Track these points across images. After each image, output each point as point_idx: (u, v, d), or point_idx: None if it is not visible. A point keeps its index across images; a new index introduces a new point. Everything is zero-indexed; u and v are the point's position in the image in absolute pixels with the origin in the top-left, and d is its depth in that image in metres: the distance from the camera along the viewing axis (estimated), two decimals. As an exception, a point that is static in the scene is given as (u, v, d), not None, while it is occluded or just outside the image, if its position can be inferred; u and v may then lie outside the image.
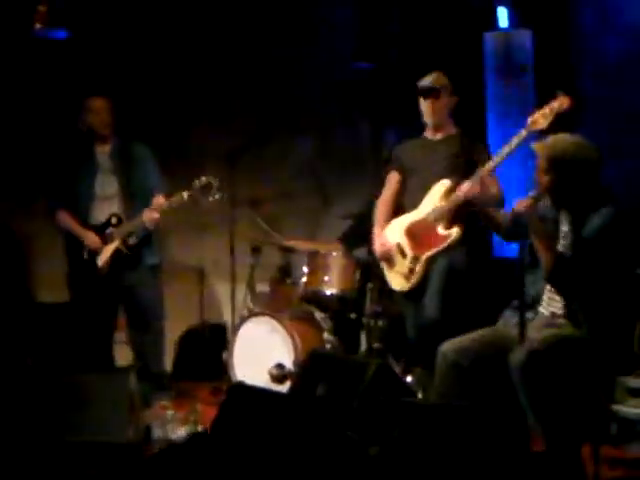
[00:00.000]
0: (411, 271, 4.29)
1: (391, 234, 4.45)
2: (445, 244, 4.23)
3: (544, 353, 3.22)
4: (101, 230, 4.67)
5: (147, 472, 3.38)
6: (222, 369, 5.12)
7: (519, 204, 3.42)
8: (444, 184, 4.27)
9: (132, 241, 4.65)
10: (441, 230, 4.25)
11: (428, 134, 4.53)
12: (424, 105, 4.43)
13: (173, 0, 5.72)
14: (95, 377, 3.95)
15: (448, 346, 3.48)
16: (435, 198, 4.29)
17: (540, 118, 3.85)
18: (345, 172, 5.87)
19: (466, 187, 4.10)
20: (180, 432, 3.95)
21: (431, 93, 4.37)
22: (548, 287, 3.47)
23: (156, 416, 4.05)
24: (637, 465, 3.70)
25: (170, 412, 4.06)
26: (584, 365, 3.30)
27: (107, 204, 4.69)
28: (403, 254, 4.35)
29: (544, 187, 3.42)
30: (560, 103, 3.85)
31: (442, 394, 3.48)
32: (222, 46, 5.78)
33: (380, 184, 4.68)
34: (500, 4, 5.55)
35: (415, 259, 4.29)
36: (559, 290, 3.39)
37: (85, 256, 4.65)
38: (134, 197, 4.69)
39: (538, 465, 3.07)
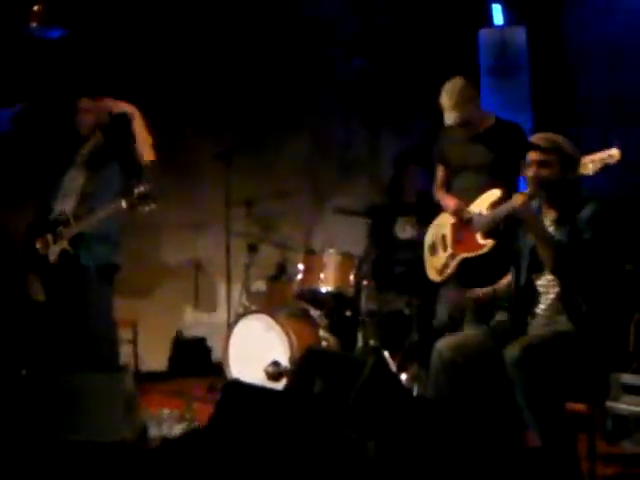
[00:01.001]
0: (445, 266, 4.35)
1: (441, 223, 4.47)
2: (479, 252, 4.23)
3: (539, 348, 3.22)
4: (52, 227, 4.58)
5: (144, 470, 3.38)
6: (218, 367, 5.12)
7: (514, 201, 3.43)
8: (494, 194, 4.24)
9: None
10: (479, 238, 4.27)
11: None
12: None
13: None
14: (91, 376, 3.94)
15: (443, 343, 3.48)
16: (483, 205, 4.27)
17: (589, 163, 3.63)
18: (341, 170, 5.87)
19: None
20: (176, 430, 3.95)
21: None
22: (542, 287, 3.47)
23: (152, 414, 4.05)
24: (632, 462, 3.71)
25: (166, 410, 4.06)
26: (579, 361, 3.31)
27: (66, 199, 4.61)
28: (444, 246, 4.40)
29: (541, 181, 3.41)
30: (611, 155, 3.64)
31: (437, 391, 3.48)
32: (217, 45, 5.79)
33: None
34: (495, 1, 5.57)
35: (452, 256, 4.34)
36: (564, 281, 3.38)
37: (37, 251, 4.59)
38: (91, 197, 4.56)
39: (533, 461, 3.07)
